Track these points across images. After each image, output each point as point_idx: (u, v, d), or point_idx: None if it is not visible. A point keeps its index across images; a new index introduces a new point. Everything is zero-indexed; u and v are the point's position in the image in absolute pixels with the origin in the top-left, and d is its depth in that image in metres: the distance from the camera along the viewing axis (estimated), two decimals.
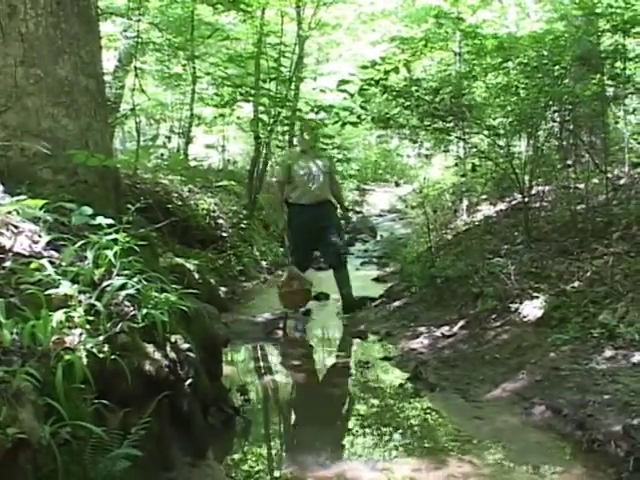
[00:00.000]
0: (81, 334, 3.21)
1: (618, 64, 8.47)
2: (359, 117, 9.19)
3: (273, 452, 4.50)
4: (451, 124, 9.48)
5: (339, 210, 9.78)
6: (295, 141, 8.35)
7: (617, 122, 11.46)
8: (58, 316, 3.11)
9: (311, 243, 9.23)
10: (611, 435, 4.11)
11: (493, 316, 7.05)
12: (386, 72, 8.78)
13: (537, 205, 9.92)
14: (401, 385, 5.84)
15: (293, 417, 5.26)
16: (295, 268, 8.93)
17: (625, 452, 3.94)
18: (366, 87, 8.77)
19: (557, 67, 8.27)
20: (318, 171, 8.99)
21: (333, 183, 9.35)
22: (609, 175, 9.01)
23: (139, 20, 11.14)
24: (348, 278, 9.15)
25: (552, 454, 4.27)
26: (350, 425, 5.07)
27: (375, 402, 5.70)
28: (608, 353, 5.47)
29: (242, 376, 6.13)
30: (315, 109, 10.32)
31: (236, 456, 4.34)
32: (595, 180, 9.78)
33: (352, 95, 9.03)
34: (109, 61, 13.85)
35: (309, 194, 8.98)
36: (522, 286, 7.15)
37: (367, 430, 4.95)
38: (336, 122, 9.34)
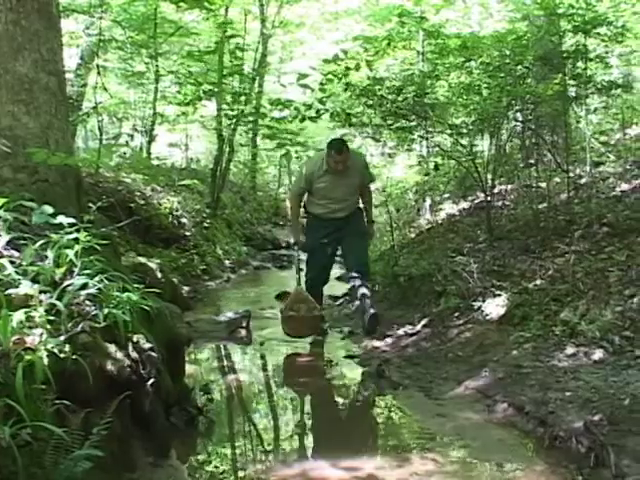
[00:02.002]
0: (42, 334, 3.19)
1: (579, 64, 8.54)
2: (317, 112, 9.17)
3: (237, 452, 4.48)
4: (414, 123, 9.51)
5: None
6: (319, 157, 7.52)
7: (579, 122, 11.56)
8: (18, 316, 3.09)
9: (332, 252, 7.98)
10: (572, 432, 4.14)
11: (456, 314, 7.09)
12: (347, 68, 8.78)
13: (499, 204, 10.00)
14: (364, 383, 5.86)
15: (256, 417, 5.25)
16: (303, 289, 7.85)
17: (586, 448, 3.98)
18: (326, 81, 8.77)
19: (519, 67, 8.32)
20: (344, 192, 7.67)
21: (365, 195, 7.98)
22: (571, 174, 9.08)
23: (101, 17, 11.05)
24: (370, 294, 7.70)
25: (514, 451, 4.29)
26: (313, 423, 5.06)
27: (339, 400, 5.71)
28: (569, 350, 5.52)
29: (205, 376, 6.09)
30: (274, 104, 10.23)
31: (199, 456, 4.31)
32: (557, 179, 9.86)
33: (312, 90, 9.03)
34: (71, 59, 13.70)
35: (330, 212, 7.76)
36: (485, 284, 7.19)
37: (330, 428, 4.96)
38: (295, 117, 9.32)
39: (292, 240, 9.33)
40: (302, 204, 8.03)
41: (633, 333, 5.53)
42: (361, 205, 8.03)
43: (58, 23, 5.44)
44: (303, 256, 8.28)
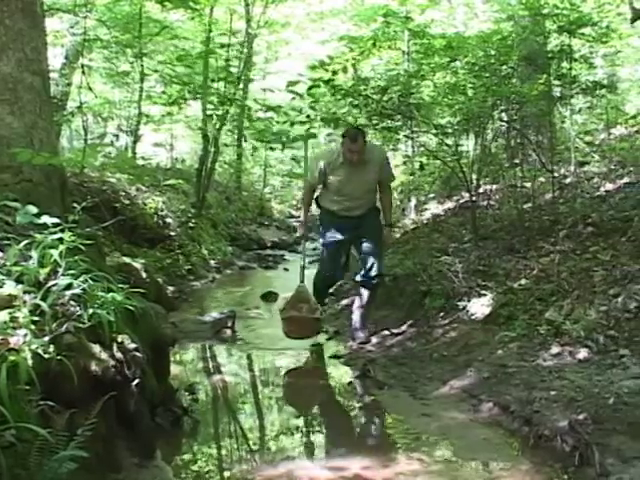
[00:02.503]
0: (26, 335, 3.17)
1: (564, 64, 8.57)
2: (308, 117, 9.19)
3: (222, 452, 4.48)
4: (399, 123, 9.52)
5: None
6: (336, 148, 6.84)
7: (563, 122, 11.61)
8: (2, 317, 3.07)
9: (346, 251, 7.51)
10: (557, 430, 4.15)
11: (441, 314, 7.10)
12: (334, 72, 8.78)
13: (485, 204, 10.02)
14: (350, 383, 5.86)
15: (242, 417, 5.24)
16: (305, 286, 7.44)
17: (571, 447, 3.99)
18: (314, 86, 8.76)
19: (504, 67, 8.34)
20: (360, 188, 7.07)
21: (384, 194, 7.36)
22: (555, 174, 9.11)
23: (86, 17, 11.02)
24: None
25: (500, 450, 4.31)
26: (299, 423, 5.05)
27: (324, 400, 5.71)
28: (554, 350, 5.54)
29: (190, 376, 6.08)
30: (264, 108, 10.24)
31: (185, 456, 4.30)
32: (542, 179, 9.89)
33: (301, 96, 9.03)
34: (56, 58, 13.66)
35: (344, 210, 7.18)
36: (470, 284, 7.20)
37: (316, 428, 4.97)
38: (285, 122, 9.31)
39: (298, 233, 9.02)
40: (315, 197, 7.52)
41: (617, 332, 5.55)
42: (378, 205, 7.45)
43: (42, 22, 5.40)
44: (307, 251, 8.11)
